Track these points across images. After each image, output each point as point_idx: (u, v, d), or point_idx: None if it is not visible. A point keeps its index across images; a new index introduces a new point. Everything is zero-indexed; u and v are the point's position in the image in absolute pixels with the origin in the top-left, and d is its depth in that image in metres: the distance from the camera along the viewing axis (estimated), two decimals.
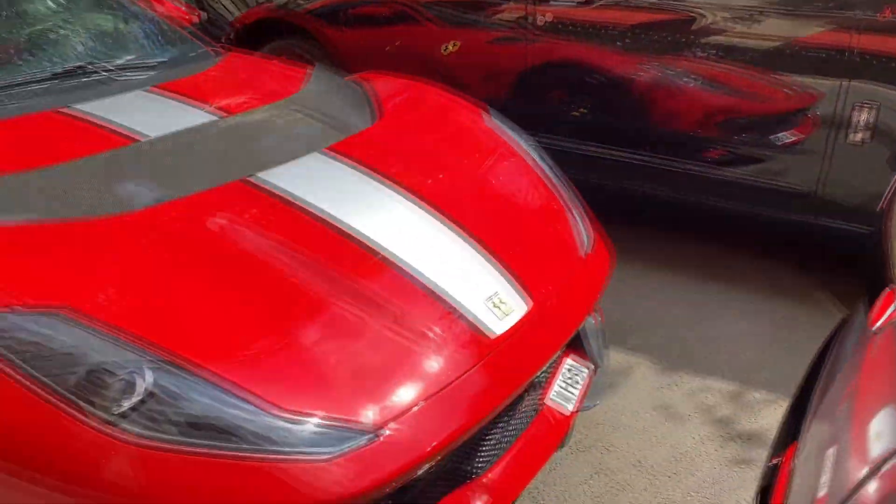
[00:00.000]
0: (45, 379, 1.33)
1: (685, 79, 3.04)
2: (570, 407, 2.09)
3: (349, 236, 1.85)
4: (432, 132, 2.45)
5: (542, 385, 2.10)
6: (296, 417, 1.43)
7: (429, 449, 1.51)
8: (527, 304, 1.88)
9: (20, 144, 2.06)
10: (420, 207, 2.04)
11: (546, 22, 3.30)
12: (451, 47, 3.70)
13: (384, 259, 1.80)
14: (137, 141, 2.11)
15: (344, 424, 1.46)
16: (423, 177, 2.17)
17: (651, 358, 2.69)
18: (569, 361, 2.24)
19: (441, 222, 2.01)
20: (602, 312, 2.49)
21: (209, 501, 1.33)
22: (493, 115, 2.60)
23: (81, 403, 1.33)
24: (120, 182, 1.89)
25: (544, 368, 1.94)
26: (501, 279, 1.90)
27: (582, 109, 3.42)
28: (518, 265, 1.96)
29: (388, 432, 1.48)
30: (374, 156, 2.19)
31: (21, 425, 1.33)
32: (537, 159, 2.46)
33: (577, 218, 2.32)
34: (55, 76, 2.45)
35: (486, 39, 3.56)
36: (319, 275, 1.72)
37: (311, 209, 1.91)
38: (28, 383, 1.32)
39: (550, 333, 1.91)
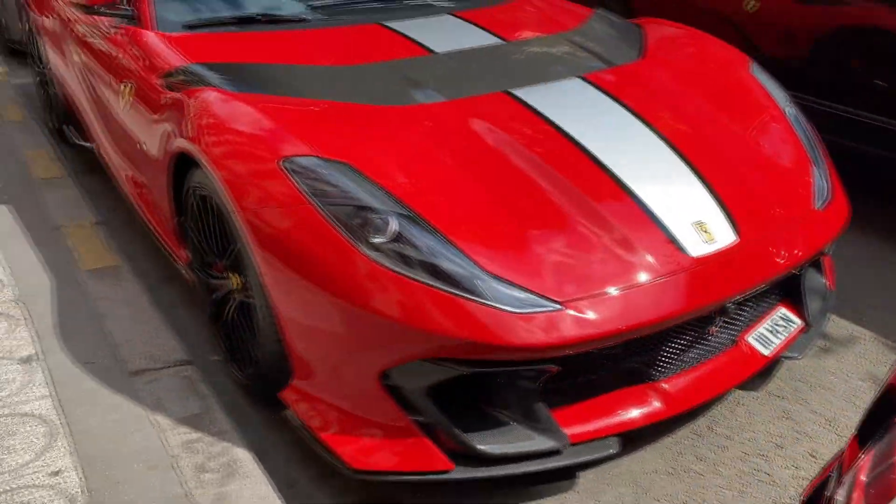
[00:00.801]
0: (330, 208, 1.81)
1: None
2: (767, 351, 2.18)
3: (589, 154, 2.11)
4: (690, 73, 2.58)
5: (745, 323, 2.21)
6: (499, 281, 1.76)
7: (601, 330, 1.75)
8: (734, 237, 2.01)
9: (344, 47, 2.62)
10: (656, 136, 2.23)
11: None
12: (754, 4, 3.67)
13: (615, 181, 2.04)
14: (431, 53, 2.56)
15: (535, 294, 1.76)
16: (668, 112, 2.35)
17: (881, 334, 2.60)
18: (781, 310, 2.32)
19: (672, 152, 2.19)
20: (833, 279, 2.49)
21: (424, 317, 1.71)
22: (757, 67, 2.65)
23: (348, 231, 1.79)
24: (408, 82, 2.35)
25: (740, 301, 2.05)
26: (715, 210, 2.04)
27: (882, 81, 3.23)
28: (735, 202, 2.08)
29: (570, 309, 1.76)
30: (626, 87, 2.41)
31: (312, 240, 1.82)
32: (789, 112, 2.48)
33: (820, 174, 2.34)
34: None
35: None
36: (557, 183, 2.01)
37: (558, 125, 2.20)
38: (320, 209, 1.81)
39: (751, 270, 2.01)
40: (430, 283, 1.74)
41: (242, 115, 2.08)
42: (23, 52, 5.76)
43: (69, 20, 3.40)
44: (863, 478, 0.97)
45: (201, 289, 2.43)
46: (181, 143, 2.19)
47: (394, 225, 1.79)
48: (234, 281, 2.20)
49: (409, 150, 2.05)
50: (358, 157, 1.94)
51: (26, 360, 2.23)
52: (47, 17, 3.74)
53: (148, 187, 2.73)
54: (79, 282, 2.66)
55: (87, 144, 3.66)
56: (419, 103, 2.23)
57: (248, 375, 2.21)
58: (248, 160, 1.98)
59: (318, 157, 1.91)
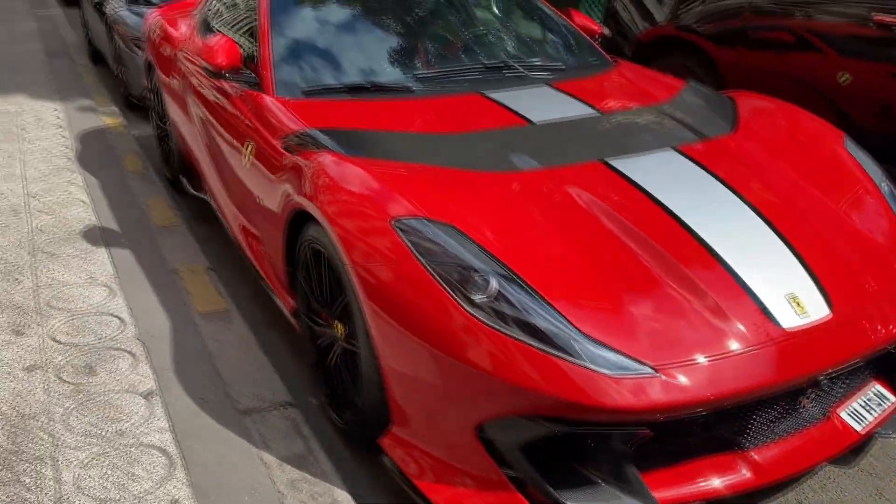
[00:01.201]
0: (434, 266, 1.94)
1: None
2: (860, 427, 2.18)
3: (682, 223, 2.19)
4: (783, 147, 2.64)
5: (838, 397, 2.21)
6: (594, 342, 1.85)
7: (693, 397, 1.81)
8: (827, 311, 2.04)
9: (447, 115, 2.80)
10: (748, 208, 2.29)
11: None
12: (847, 77, 3.70)
13: (707, 250, 2.11)
14: (529, 123, 2.71)
15: (629, 357, 1.84)
16: (760, 184, 2.41)
17: None
18: (875, 387, 2.31)
19: (765, 225, 2.24)
20: None
21: (519, 373, 1.81)
22: (850, 142, 2.68)
23: (452, 289, 1.92)
24: (511, 150, 2.49)
25: (833, 376, 2.06)
26: (808, 283, 2.08)
27: None
28: (828, 276, 2.11)
29: (663, 374, 1.83)
30: (719, 160, 2.49)
31: (417, 295, 1.96)
32: (885, 188, 2.50)
33: None
34: (484, 68, 3.18)
35: (883, 73, 3.51)
36: (650, 251, 2.09)
37: (652, 195, 2.29)
38: (426, 266, 1.95)
39: (845, 346, 2.03)
40: (527, 341, 1.84)
41: (356, 177, 2.26)
42: (139, 107, 6.26)
43: (195, 82, 3.72)
44: None
45: (306, 335, 2.59)
46: (299, 201, 2.39)
47: (494, 284, 1.91)
48: (339, 329, 2.35)
49: (509, 213, 2.18)
50: (462, 219, 2.09)
51: (147, 395, 2.43)
52: (173, 78, 4.10)
53: (260, 238, 2.94)
54: (193, 323, 2.88)
55: (201, 195, 3.96)
56: (519, 170, 2.37)
57: (347, 420, 2.34)
58: (362, 219, 2.14)
59: (425, 218, 2.06)
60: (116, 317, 2.90)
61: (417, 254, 1.98)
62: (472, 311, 1.88)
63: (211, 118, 3.46)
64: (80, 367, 2.56)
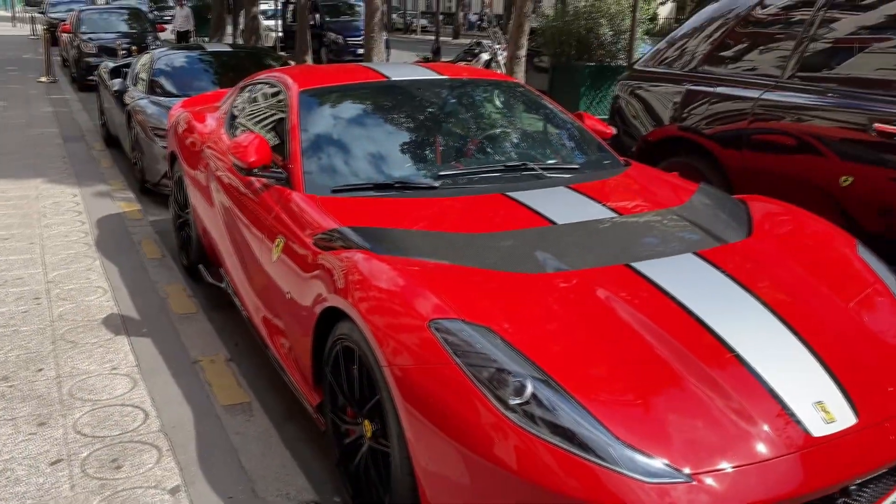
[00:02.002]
0: (471, 368, 1.99)
1: None
2: None
3: (707, 328, 2.25)
4: (798, 253, 2.73)
5: (868, 502, 2.22)
6: (630, 448, 1.88)
7: None
8: (854, 418, 2.07)
9: (475, 214, 2.89)
10: (772, 316, 2.35)
11: None
12: (848, 180, 3.84)
13: (733, 354, 2.16)
14: (552, 224, 2.80)
15: (664, 464, 1.87)
16: (780, 290, 2.48)
17: None
18: None
19: (791, 334, 2.29)
20: None
21: (549, 476, 1.83)
22: (862, 248, 2.78)
23: (488, 392, 1.96)
24: (536, 251, 2.57)
25: (863, 483, 2.08)
26: (833, 390, 2.12)
27: None
28: (853, 383, 2.16)
29: (697, 482, 1.85)
30: (738, 264, 2.57)
31: (452, 396, 2.00)
32: None
33: None
34: (504, 169, 3.31)
35: (883, 177, 3.64)
36: (678, 354, 2.15)
37: (677, 298, 2.36)
38: (463, 369, 1.99)
39: (874, 454, 2.06)
40: (564, 446, 1.86)
41: (392, 276, 2.33)
42: (154, 193, 6.39)
43: (221, 175, 3.84)
44: None
45: (331, 432, 2.61)
46: (331, 298, 2.45)
47: (530, 387, 1.95)
48: (367, 428, 2.37)
49: (541, 316, 2.24)
50: (495, 320, 2.14)
51: (173, 491, 2.42)
52: (199, 170, 4.22)
53: (285, 332, 2.98)
54: (215, 415, 2.89)
55: (220, 284, 4.02)
56: (547, 272, 2.44)
57: None
58: (398, 318, 2.20)
59: (463, 320, 2.12)
60: (140, 409, 2.91)
61: (454, 355, 2.03)
62: (508, 416, 1.91)
63: (237, 210, 3.56)
64: (106, 462, 2.56)
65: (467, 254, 2.55)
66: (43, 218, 5.48)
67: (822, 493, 1.98)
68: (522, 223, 2.82)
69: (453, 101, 3.86)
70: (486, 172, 3.31)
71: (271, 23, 25.70)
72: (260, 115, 3.99)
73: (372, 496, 2.37)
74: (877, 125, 3.59)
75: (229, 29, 23.03)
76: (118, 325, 3.67)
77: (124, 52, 13.43)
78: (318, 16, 20.40)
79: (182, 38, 18.15)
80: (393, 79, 3.81)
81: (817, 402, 2.08)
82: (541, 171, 3.33)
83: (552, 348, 2.11)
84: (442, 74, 3.97)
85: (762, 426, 1.98)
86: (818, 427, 2.02)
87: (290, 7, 22.93)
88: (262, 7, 23.17)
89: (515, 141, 3.77)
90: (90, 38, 14.42)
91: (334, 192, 3.07)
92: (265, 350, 3.24)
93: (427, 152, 3.49)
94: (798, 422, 2.02)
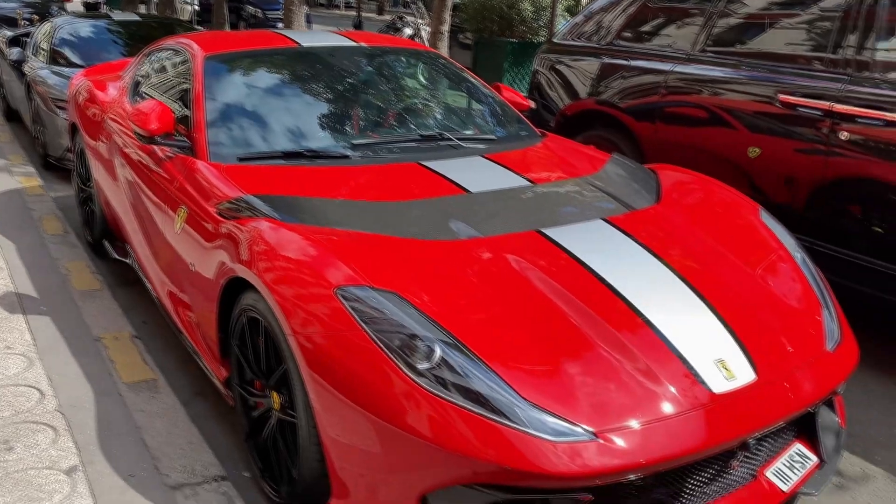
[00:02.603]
0: (379, 334, 1.95)
1: None
2: (785, 487, 2.26)
3: (614, 291, 2.27)
4: (704, 218, 2.79)
5: (764, 458, 2.29)
6: (536, 408, 1.88)
7: (633, 461, 1.85)
8: (753, 375, 2.13)
9: (388, 183, 2.84)
10: (677, 278, 2.39)
11: (848, 138, 3.43)
12: (756, 151, 3.94)
13: (639, 316, 2.19)
14: (465, 192, 2.77)
15: (572, 423, 1.87)
16: (685, 254, 2.53)
17: (893, 472, 2.67)
18: (797, 447, 2.40)
19: (693, 294, 2.34)
20: (844, 417, 2.59)
21: (461, 442, 1.82)
22: (765, 214, 2.86)
23: (397, 358, 1.92)
24: (449, 218, 2.54)
25: (759, 437, 2.15)
26: (734, 349, 2.18)
27: (878, 227, 3.44)
28: (752, 342, 2.22)
29: (602, 439, 1.86)
30: (645, 230, 2.60)
31: (360, 363, 1.95)
32: (798, 258, 2.67)
33: (830, 316, 2.49)
34: (420, 139, 3.26)
35: (790, 148, 3.76)
36: (586, 318, 2.16)
37: (585, 263, 2.37)
38: (370, 335, 1.95)
39: (771, 408, 2.12)
40: (471, 408, 1.85)
41: (296, 244, 2.26)
42: (58, 168, 6.09)
43: (123, 145, 3.66)
44: None
45: (239, 406, 2.53)
46: (236, 268, 2.36)
47: (438, 351, 1.93)
48: (275, 399, 2.30)
49: (451, 281, 2.21)
50: (404, 287, 2.11)
51: (70, 471, 2.30)
52: (100, 140, 4.02)
53: (191, 306, 2.87)
54: (118, 393, 2.77)
55: (125, 260, 3.85)
56: (459, 239, 2.42)
57: (283, 493, 2.28)
58: (302, 286, 2.14)
59: (370, 286, 2.07)
60: (35, 388, 2.76)
61: (361, 322, 1.98)
62: (415, 379, 1.88)
63: (140, 182, 3.41)
64: None
65: (379, 222, 2.50)
66: None
67: (723, 447, 2.03)
68: (436, 192, 2.79)
69: (368, 69, 3.78)
70: (402, 142, 3.26)
71: None
72: (165, 84, 3.82)
73: (281, 468, 2.31)
74: (781, 96, 3.70)
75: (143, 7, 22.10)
76: (14, 303, 3.47)
77: (26, 21, 12.71)
78: None
79: (91, 10, 17.31)
80: (304, 45, 3.70)
81: (719, 360, 2.13)
82: (457, 142, 3.30)
83: (462, 314, 2.09)
84: (357, 42, 3.88)
85: (667, 385, 2.02)
86: (719, 384, 2.07)
87: None
88: None
89: (432, 111, 3.71)
90: None
91: (241, 160, 2.96)
92: (172, 326, 3.12)
93: (340, 121, 3.40)
94: (700, 380, 2.06)
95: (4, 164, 6.09)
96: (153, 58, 4.15)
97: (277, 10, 19.29)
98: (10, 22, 12.98)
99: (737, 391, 2.08)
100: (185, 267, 2.83)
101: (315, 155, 3.03)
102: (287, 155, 3.02)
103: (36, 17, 12.60)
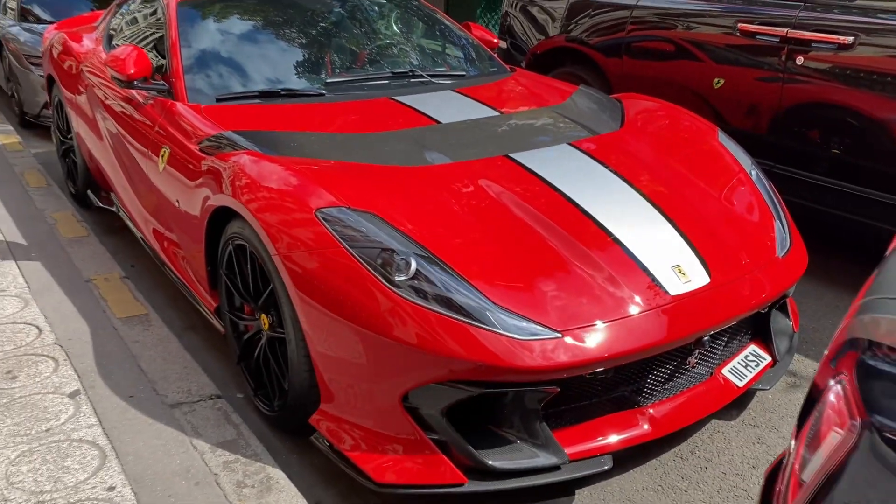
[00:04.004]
0: (357, 250, 2.09)
1: None
2: (740, 383, 2.46)
3: (578, 206, 2.42)
4: (664, 141, 2.94)
5: (721, 358, 2.48)
6: (506, 312, 2.04)
7: (594, 355, 2.02)
8: (707, 278, 2.30)
9: (362, 117, 2.96)
10: (638, 194, 2.55)
11: (803, 63, 3.57)
12: (720, 81, 4.08)
13: (601, 229, 2.34)
14: (437, 123, 2.90)
15: (537, 324, 2.04)
16: (646, 173, 2.68)
17: None
18: (752, 348, 2.60)
19: (651, 207, 2.50)
20: (797, 322, 2.78)
21: (441, 343, 1.97)
22: (723, 135, 3.01)
23: (375, 271, 2.07)
24: (422, 147, 2.67)
25: (713, 335, 2.33)
26: (690, 255, 2.34)
27: (835, 149, 3.60)
28: (707, 249, 2.39)
29: (567, 337, 2.03)
30: (609, 152, 2.75)
31: (342, 279, 2.10)
32: (753, 174, 2.83)
33: (782, 227, 2.66)
34: (392, 76, 3.37)
35: (749, 77, 3.89)
36: (551, 231, 2.31)
37: (551, 183, 2.52)
38: (349, 251, 2.09)
39: (723, 307, 2.30)
40: (446, 313, 2.01)
41: (276, 173, 2.38)
42: (35, 125, 6.12)
43: (102, 94, 3.73)
44: (803, 445, 1.25)
45: (229, 332, 2.67)
46: (221, 200, 2.48)
47: (413, 264, 2.07)
48: (264, 321, 2.45)
49: (424, 202, 2.35)
50: (381, 208, 2.24)
51: (72, 395, 2.45)
52: (78, 92, 4.08)
53: (178, 242, 3.00)
54: (112, 327, 2.90)
55: (109, 207, 3.95)
56: (431, 164, 2.55)
57: (276, 407, 2.44)
58: (286, 212, 2.26)
59: (347, 207, 2.20)
60: (33, 325, 2.89)
61: (341, 240, 2.12)
62: (394, 290, 2.03)
63: (121, 128, 3.49)
64: (1, 373, 2.55)
65: (354, 152, 2.62)
66: None
67: (679, 342, 2.21)
68: (409, 123, 2.91)
69: (340, 10, 3.85)
70: (374, 80, 3.37)
71: None
72: (139, 33, 3.87)
73: (272, 385, 2.47)
74: (741, 25, 3.82)
75: None
76: (4, 250, 3.58)
77: None
78: None
79: None
80: None
81: (675, 265, 2.30)
82: (428, 78, 3.41)
83: (435, 230, 2.23)
84: None
85: (628, 291, 2.18)
86: (675, 286, 2.24)
87: None
88: None
89: (403, 50, 3.81)
90: None
91: (219, 100, 3.05)
92: (160, 265, 3.25)
93: (313, 61, 3.49)
94: (658, 284, 2.23)
95: None
96: (125, 9, 4.19)
97: None
98: None
99: (692, 293, 2.25)
100: (171, 205, 2.94)
101: (290, 94, 3.13)
102: (263, 94, 3.12)
103: None
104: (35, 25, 6.58)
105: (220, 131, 2.74)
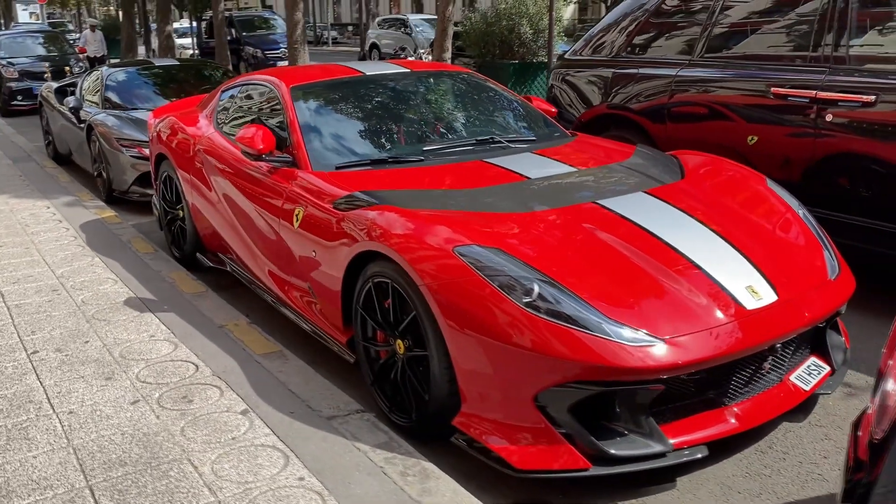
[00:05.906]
0: (491, 278, 2.59)
1: None
2: (806, 387, 2.90)
3: (663, 241, 2.92)
4: (722, 187, 3.45)
5: (788, 367, 2.93)
6: (617, 324, 2.51)
7: (690, 357, 2.48)
8: (774, 296, 2.78)
9: (464, 176, 3.50)
10: (709, 231, 3.05)
11: (832, 120, 4.10)
12: (754, 139, 4.62)
13: (685, 259, 2.83)
14: (527, 178, 3.43)
15: (643, 332, 2.51)
16: (713, 214, 3.19)
17: None
18: (813, 359, 3.05)
19: (721, 239, 3.00)
20: (848, 339, 3.23)
21: (561, 352, 2.44)
22: (770, 181, 3.53)
23: (506, 293, 2.55)
24: (521, 198, 3.20)
25: (783, 342, 2.79)
26: (758, 277, 2.82)
27: (866, 191, 4.09)
28: (771, 272, 2.87)
29: (668, 343, 2.50)
30: (678, 197, 3.26)
31: (479, 302, 2.58)
32: (801, 213, 3.33)
33: (830, 255, 3.14)
34: (476, 143, 3.93)
35: (781, 133, 4.43)
36: (645, 261, 2.80)
37: (637, 223, 3.02)
38: (485, 279, 2.58)
39: (790, 320, 2.76)
40: (566, 325, 2.49)
41: (416, 221, 2.90)
42: (122, 200, 6.74)
43: (221, 167, 4.31)
44: (874, 406, 1.73)
45: (363, 358, 3.15)
46: (367, 245, 2.98)
47: (536, 288, 2.56)
48: (399, 345, 2.93)
49: (537, 240, 2.86)
50: (504, 244, 2.75)
51: (244, 413, 2.92)
52: (192, 167, 4.67)
53: (307, 289, 3.50)
54: (256, 362, 3.38)
55: (222, 267, 4.48)
56: (535, 210, 3.07)
57: (414, 419, 2.89)
58: (428, 250, 2.77)
59: (477, 244, 2.71)
60: (189, 362, 3.38)
61: (476, 270, 2.62)
62: (525, 309, 2.52)
63: (244, 196, 4.05)
64: (177, 398, 3.03)
65: (465, 203, 3.15)
66: (27, 227, 5.77)
67: (756, 349, 2.67)
68: (504, 179, 3.45)
69: (422, 89, 4.46)
70: (462, 146, 3.93)
71: (184, 41, 25.63)
72: (250, 114, 4.48)
73: (408, 400, 2.92)
74: (773, 89, 4.38)
75: (141, 49, 22.88)
76: (140, 305, 4.09)
77: (48, 75, 13.48)
78: (233, 31, 20.58)
79: (95, 64, 18.07)
80: (368, 73, 4.39)
81: (748, 286, 2.78)
82: (506, 143, 3.97)
83: (550, 261, 2.73)
84: (409, 68, 4.57)
85: (711, 305, 2.66)
86: (750, 302, 2.71)
87: (204, 24, 23.00)
88: (174, 25, 23.16)
89: (480, 120, 4.40)
90: (10, 63, 14.31)
91: (338, 168, 3.62)
92: (286, 310, 3.75)
93: (410, 132, 4.07)
94: (736, 300, 2.70)
95: (76, 199, 6.73)
96: (230, 93, 4.82)
97: (276, 49, 20.07)
98: (33, 76, 13.79)
99: (764, 308, 2.72)
100: (304, 257, 3.46)
101: (395, 160, 3.69)
102: (374, 161, 3.68)
103: (67, 68, 13.38)
104: (119, 112, 7.28)
105: (351, 192, 3.28)
